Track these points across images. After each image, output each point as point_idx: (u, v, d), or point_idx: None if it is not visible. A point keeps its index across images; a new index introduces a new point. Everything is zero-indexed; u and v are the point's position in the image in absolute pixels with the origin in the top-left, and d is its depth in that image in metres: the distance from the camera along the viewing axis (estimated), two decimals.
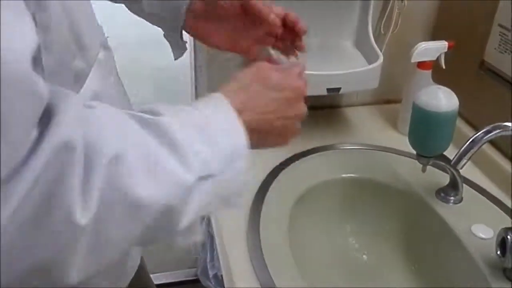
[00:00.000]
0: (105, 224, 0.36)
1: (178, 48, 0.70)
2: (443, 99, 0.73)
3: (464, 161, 0.61)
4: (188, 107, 0.47)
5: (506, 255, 0.67)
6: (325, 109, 1.12)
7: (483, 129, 0.61)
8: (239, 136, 0.48)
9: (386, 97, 1.14)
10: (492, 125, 0.60)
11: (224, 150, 0.45)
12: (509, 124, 0.60)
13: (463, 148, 0.61)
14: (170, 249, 1.51)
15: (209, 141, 0.44)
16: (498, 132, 0.60)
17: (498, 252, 0.69)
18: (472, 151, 0.61)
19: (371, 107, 1.14)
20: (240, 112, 0.49)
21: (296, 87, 0.55)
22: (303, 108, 0.56)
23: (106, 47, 0.55)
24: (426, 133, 0.77)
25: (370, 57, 0.97)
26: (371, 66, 0.91)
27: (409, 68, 1.10)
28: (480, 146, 0.60)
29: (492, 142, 0.60)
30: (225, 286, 0.73)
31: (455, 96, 0.73)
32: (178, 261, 1.44)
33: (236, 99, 0.50)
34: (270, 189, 0.86)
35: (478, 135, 0.60)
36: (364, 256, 0.89)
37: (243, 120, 0.48)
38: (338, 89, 0.91)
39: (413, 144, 0.79)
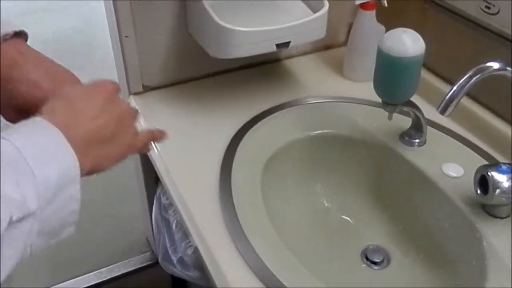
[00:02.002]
0: None
1: None
2: (408, 43, 0.70)
3: (451, 108, 0.58)
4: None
5: (489, 192, 0.67)
6: (263, 64, 1.05)
7: (465, 74, 0.58)
8: (67, 159, 0.42)
9: (325, 43, 1.09)
10: (474, 69, 0.58)
11: (46, 182, 0.40)
12: (491, 64, 0.58)
13: (448, 96, 0.59)
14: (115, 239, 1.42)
15: (23, 177, 0.38)
16: (482, 75, 0.57)
17: (478, 191, 0.69)
18: (458, 97, 0.58)
19: (312, 55, 1.08)
20: (67, 127, 0.43)
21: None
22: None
23: None
24: (393, 80, 0.73)
25: (311, 3, 0.91)
26: (319, 14, 0.84)
27: (345, 10, 1.05)
28: (466, 91, 0.58)
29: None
30: (204, 258, 0.68)
31: (420, 38, 0.70)
32: (129, 249, 1.35)
33: (60, 115, 0.44)
34: (236, 156, 0.81)
35: (463, 81, 0.58)
36: (339, 212, 0.87)
37: (73, 135, 0.43)
38: (288, 43, 0.84)
39: (379, 92, 0.76)
